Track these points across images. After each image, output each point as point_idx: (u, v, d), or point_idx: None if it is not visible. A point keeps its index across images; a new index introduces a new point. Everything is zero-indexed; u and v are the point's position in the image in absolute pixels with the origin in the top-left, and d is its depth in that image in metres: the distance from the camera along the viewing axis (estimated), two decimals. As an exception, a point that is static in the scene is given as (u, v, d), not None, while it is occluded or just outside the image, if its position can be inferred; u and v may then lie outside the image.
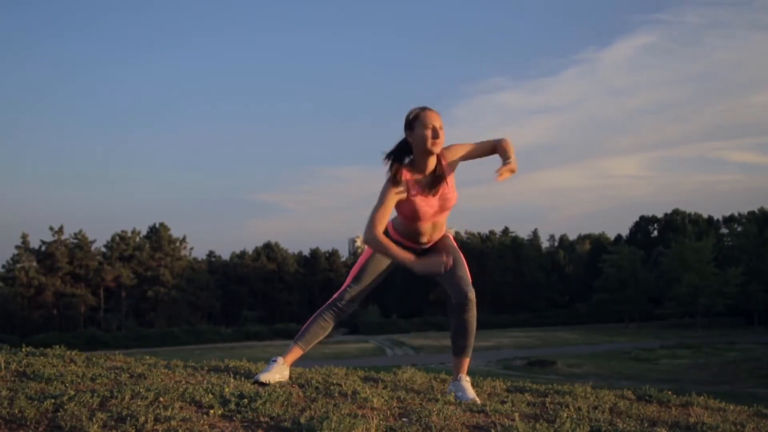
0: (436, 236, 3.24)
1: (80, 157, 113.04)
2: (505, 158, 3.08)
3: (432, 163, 3.13)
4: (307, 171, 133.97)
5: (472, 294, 3.17)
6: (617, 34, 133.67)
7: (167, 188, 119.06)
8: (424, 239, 3.22)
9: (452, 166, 3.17)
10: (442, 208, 3.14)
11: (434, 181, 3.11)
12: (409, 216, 3.13)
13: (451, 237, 3.34)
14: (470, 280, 3.22)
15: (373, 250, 3.09)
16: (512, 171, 3.03)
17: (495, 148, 3.15)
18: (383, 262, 3.24)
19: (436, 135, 3.06)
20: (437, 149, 3.08)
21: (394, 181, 3.07)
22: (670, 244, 61.93)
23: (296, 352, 3.24)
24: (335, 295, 3.24)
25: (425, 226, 3.17)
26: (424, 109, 3.12)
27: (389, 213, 3.08)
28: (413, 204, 3.09)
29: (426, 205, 3.09)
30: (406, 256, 3.06)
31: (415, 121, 3.10)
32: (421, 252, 3.28)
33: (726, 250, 65.82)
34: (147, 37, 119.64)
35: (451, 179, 3.15)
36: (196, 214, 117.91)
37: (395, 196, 3.07)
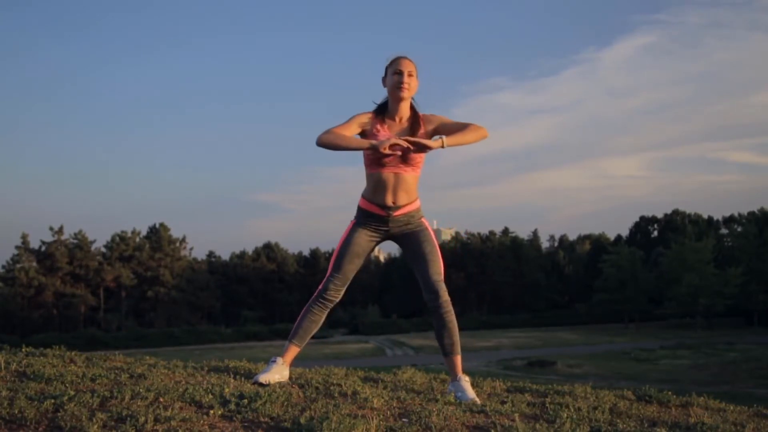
0: (402, 199, 3.16)
1: (80, 158, 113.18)
2: (444, 137, 3.05)
3: (404, 111, 3.16)
4: (307, 171, 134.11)
5: (444, 294, 3.14)
6: (617, 34, 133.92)
7: (167, 188, 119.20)
8: (389, 199, 3.14)
9: (428, 128, 3.17)
10: (404, 158, 3.09)
11: (406, 131, 3.14)
12: (368, 157, 3.13)
13: (430, 229, 3.29)
14: (442, 279, 3.19)
15: (326, 146, 3.02)
16: (429, 147, 2.99)
17: (462, 128, 3.11)
18: (359, 246, 3.21)
19: (400, 80, 3.08)
20: (405, 94, 3.10)
21: (364, 113, 3.16)
22: (670, 245, 61.94)
23: (293, 351, 3.23)
24: (320, 287, 3.22)
25: (387, 175, 3.12)
26: (398, 56, 3.15)
27: (347, 131, 3.08)
28: (376, 138, 3.10)
29: (386, 139, 3.07)
30: (358, 141, 3.05)
31: (388, 68, 3.15)
32: (395, 233, 3.23)
33: (726, 251, 65.81)
34: (147, 37, 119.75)
35: (422, 136, 3.14)
36: (196, 215, 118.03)
37: (358, 122, 3.13)
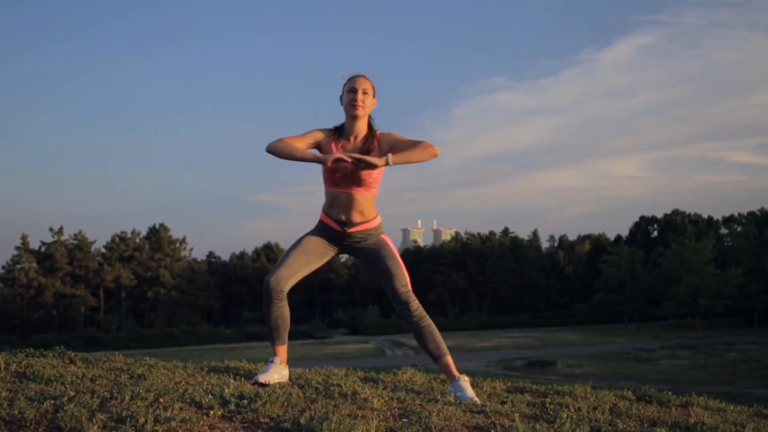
0: (356, 218, 3.15)
1: (80, 158, 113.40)
2: (390, 155, 2.98)
3: (360, 129, 3.16)
4: (307, 171, 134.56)
5: (413, 302, 3.16)
6: (617, 34, 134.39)
7: (167, 189, 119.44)
8: (342, 215, 3.15)
9: (383, 146, 3.12)
10: (355, 178, 3.08)
11: (359, 149, 3.12)
12: (323, 174, 3.15)
13: (390, 242, 3.26)
14: (410, 289, 3.18)
15: (275, 154, 3.03)
16: (373, 164, 2.92)
17: (413, 146, 3.04)
18: (311, 244, 3.22)
19: (354, 98, 3.09)
20: (359, 112, 3.10)
21: (321, 129, 3.19)
22: (669, 245, 61.94)
23: (282, 349, 3.24)
24: (264, 282, 3.20)
25: (340, 195, 3.13)
26: (353, 74, 3.15)
27: (300, 142, 3.09)
28: (327, 152, 3.12)
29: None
30: (306, 154, 3.04)
31: (344, 86, 3.16)
32: (354, 248, 3.23)
33: (726, 251, 65.82)
34: (147, 38, 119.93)
35: (375, 154, 3.10)
36: (195, 215, 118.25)
37: (313, 137, 3.15)
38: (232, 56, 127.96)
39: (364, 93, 3.11)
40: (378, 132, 3.18)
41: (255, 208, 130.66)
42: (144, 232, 67.78)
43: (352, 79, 3.14)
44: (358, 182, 3.09)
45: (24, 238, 60.95)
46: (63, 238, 62.45)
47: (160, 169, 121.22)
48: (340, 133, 3.19)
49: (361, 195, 3.13)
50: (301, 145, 3.09)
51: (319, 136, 3.17)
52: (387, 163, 2.95)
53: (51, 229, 62.08)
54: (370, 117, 3.19)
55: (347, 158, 2.92)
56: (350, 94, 3.11)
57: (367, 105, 3.12)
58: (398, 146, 3.08)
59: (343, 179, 3.10)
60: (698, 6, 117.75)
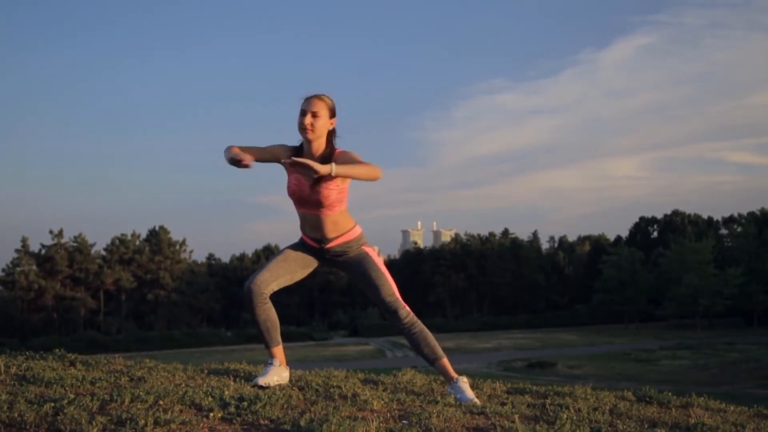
0: (330, 233, 3.15)
1: (80, 160, 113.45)
2: (334, 164, 2.95)
3: (317, 149, 3.13)
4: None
5: (402, 310, 3.18)
6: (616, 34, 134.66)
7: (167, 191, 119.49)
8: (316, 233, 3.17)
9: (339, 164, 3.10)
10: (313, 202, 3.08)
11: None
12: (288, 192, 3.16)
13: (372, 253, 3.27)
14: (397, 297, 3.20)
15: (229, 162, 3.00)
16: (319, 171, 2.86)
17: (358, 163, 3.03)
18: (294, 253, 3.24)
19: (302, 122, 3.07)
20: (308, 135, 3.08)
21: (282, 144, 3.20)
22: (669, 245, 61.97)
23: (279, 350, 3.24)
24: (244, 288, 3.20)
25: (308, 215, 3.14)
26: (308, 96, 3.14)
27: (260, 152, 3.11)
28: (288, 175, 3.15)
29: (295, 183, 3.09)
30: (244, 157, 3.03)
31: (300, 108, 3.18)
32: (337, 261, 3.25)
33: (725, 251, 65.86)
34: (148, 39, 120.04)
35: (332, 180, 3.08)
36: (195, 217, 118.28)
37: (270, 151, 3.16)
38: (233, 58, 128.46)
39: (314, 116, 3.07)
40: (338, 150, 3.16)
41: (255, 209, 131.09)
42: (144, 235, 67.82)
43: (306, 101, 3.12)
44: (318, 205, 3.09)
45: (24, 240, 61.03)
46: (63, 240, 62.47)
47: (160, 170, 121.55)
48: (300, 151, 3.19)
49: (325, 215, 3.13)
50: (256, 155, 3.09)
51: (279, 152, 3.17)
52: (330, 171, 2.89)
53: (51, 232, 62.18)
54: (331, 135, 3.16)
55: (299, 161, 2.88)
56: (300, 117, 3.10)
57: (318, 127, 3.09)
58: (350, 164, 3.09)
59: (305, 202, 3.11)
60: (698, 6, 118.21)
